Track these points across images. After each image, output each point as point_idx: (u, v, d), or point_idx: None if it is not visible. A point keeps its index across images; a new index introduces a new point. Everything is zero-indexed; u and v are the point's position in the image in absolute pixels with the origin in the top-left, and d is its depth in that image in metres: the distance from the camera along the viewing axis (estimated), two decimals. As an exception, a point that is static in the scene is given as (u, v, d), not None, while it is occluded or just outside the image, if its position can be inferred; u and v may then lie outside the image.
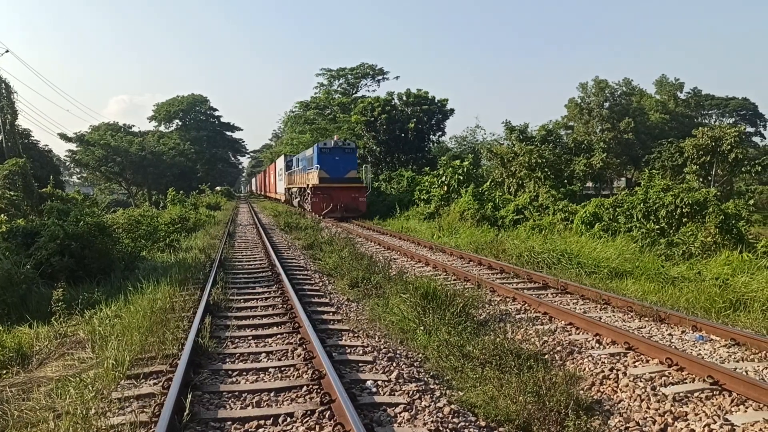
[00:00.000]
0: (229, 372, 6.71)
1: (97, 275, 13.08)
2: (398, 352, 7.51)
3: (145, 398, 5.84)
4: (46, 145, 54.59)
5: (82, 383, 6.19)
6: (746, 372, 6.39)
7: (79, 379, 6.34)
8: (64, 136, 72.15)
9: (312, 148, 34.29)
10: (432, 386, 6.26)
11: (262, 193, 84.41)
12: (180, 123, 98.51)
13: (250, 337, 8.16)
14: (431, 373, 6.76)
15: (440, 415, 5.40)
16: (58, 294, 9.87)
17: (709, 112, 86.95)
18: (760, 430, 5.02)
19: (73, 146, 74.66)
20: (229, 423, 5.30)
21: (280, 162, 55.20)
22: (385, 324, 8.90)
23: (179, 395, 5.44)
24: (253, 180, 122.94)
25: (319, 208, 32.00)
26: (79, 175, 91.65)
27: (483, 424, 5.34)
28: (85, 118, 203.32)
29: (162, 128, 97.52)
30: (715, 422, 5.19)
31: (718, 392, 5.84)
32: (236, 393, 6.01)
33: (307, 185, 33.86)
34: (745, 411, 5.43)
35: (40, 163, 42.74)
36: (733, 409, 5.48)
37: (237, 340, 8.03)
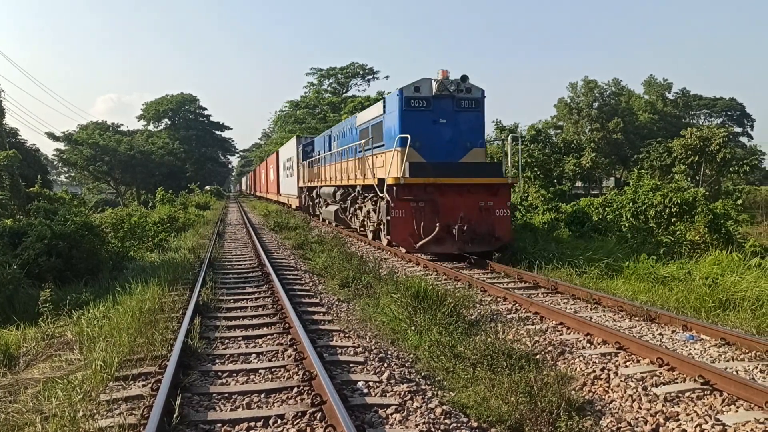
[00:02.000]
0: (219, 373, 6.66)
1: (84, 275, 12.99)
2: (389, 352, 7.48)
3: (133, 400, 5.77)
4: (34, 144, 54.29)
5: (70, 385, 6.11)
6: (737, 371, 6.40)
7: (66, 381, 6.26)
8: (51, 135, 71.70)
9: (381, 102, 16.96)
10: (423, 387, 6.23)
11: (252, 192, 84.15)
12: (169, 122, 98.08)
13: (240, 338, 8.10)
14: (422, 374, 6.73)
15: (432, 416, 5.37)
16: (45, 294, 9.79)
17: (697, 112, 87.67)
18: (752, 430, 5.03)
19: (60, 145, 74.24)
20: (219, 425, 5.25)
21: (288, 149, 38.72)
22: (376, 324, 8.87)
23: (168, 397, 5.39)
24: (243, 179, 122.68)
25: (408, 233, 14.67)
26: (66, 175, 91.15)
27: (475, 424, 5.31)
28: (73, 117, 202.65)
29: (151, 127, 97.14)
30: (707, 422, 5.19)
31: (709, 392, 5.85)
32: (226, 394, 5.96)
33: (375, 182, 16.22)
34: (737, 411, 5.43)
35: (28, 162, 42.41)
36: (724, 409, 5.49)
37: (227, 341, 7.97)
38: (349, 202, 20.98)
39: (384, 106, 16.62)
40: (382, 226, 16.55)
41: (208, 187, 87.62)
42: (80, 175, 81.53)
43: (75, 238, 13.67)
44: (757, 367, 6.60)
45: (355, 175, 18.87)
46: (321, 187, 25.93)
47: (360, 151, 18.50)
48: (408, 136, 14.40)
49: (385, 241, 16.95)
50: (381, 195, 15.57)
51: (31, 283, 12.03)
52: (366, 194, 18.29)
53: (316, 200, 28.32)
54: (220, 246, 19.29)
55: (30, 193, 32.52)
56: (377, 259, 14.21)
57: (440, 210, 14.51)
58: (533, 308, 9.44)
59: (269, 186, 53.88)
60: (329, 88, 74.03)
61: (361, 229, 19.82)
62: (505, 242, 14.84)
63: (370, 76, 74.35)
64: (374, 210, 17.31)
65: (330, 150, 24.56)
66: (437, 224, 14.26)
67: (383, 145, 16.60)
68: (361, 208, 19.49)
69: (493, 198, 14.86)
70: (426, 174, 14.60)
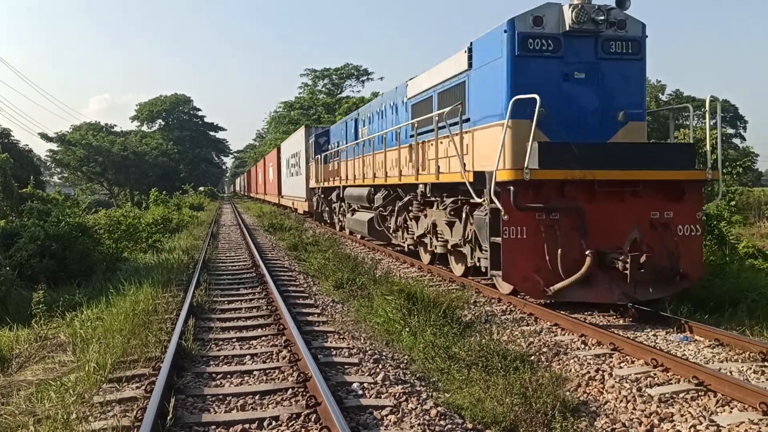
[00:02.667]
0: (213, 375, 6.63)
1: (78, 277, 12.94)
2: (384, 353, 7.47)
3: (127, 402, 5.75)
4: (27, 145, 53.94)
5: (63, 387, 6.09)
6: (731, 372, 6.41)
7: (59, 383, 6.24)
8: (44, 136, 71.34)
9: (464, 51, 10.76)
10: (418, 388, 6.22)
11: (247, 194, 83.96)
12: (163, 123, 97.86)
13: (234, 339, 8.08)
14: (417, 375, 6.72)
15: (427, 417, 5.37)
16: (38, 296, 9.76)
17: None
18: (746, 431, 5.04)
19: (54, 146, 73.84)
20: (214, 427, 5.22)
21: (293, 143, 32.88)
22: (371, 325, 8.85)
23: (162, 399, 5.37)
24: (237, 180, 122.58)
25: (533, 266, 8.75)
26: (60, 176, 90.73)
27: (470, 426, 5.31)
28: (66, 117, 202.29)
29: (144, 128, 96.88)
30: (701, 423, 5.19)
31: (703, 393, 5.86)
32: (220, 396, 5.94)
33: (468, 179, 9.42)
34: (731, 412, 5.45)
35: (20, 163, 42.15)
36: (718, 409, 5.50)
37: (221, 343, 7.95)
38: (394, 208, 14.75)
39: (470, 57, 10.56)
40: (468, 251, 10.61)
41: (201, 188, 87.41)
42: (73, 176, 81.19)
43: (68, 240, 13.61)
44: (750, 368, 6.61)
45: (416, 170, 12.35)
46: (345, 187, 19.88)
47: (412, 135, 12.67)
48: (536, 97, 8.34)
49: (459, 271, 11.85)
50: (477, 200, 9.41)
51: (24, 284, 11.98)
52: (436, 197, 11.69)
53: (335, 204, 22.58)
54: (214, 247, 19.25)
55: (23, 194, 32.33)
56: (372, 261, 14.20)
57: (590, 227, 8.70)
58: (528, 309, 9.42)
59: (268, 187, 47.47)
60: (323, 89, 73.91)
61: (413, 247, 14.40)
62: (692, 282, 9.28)
63: (364, 77, 74.27)
64: (449, 223, 11.32)
65: (356, 138, 19.01)
66: (587, 252, 8.43)
67: (468, 120, 10.70)
68: (417, 218, 13.30)
69: (674, 205, 9.14)
70: (568, 163, 8.70)
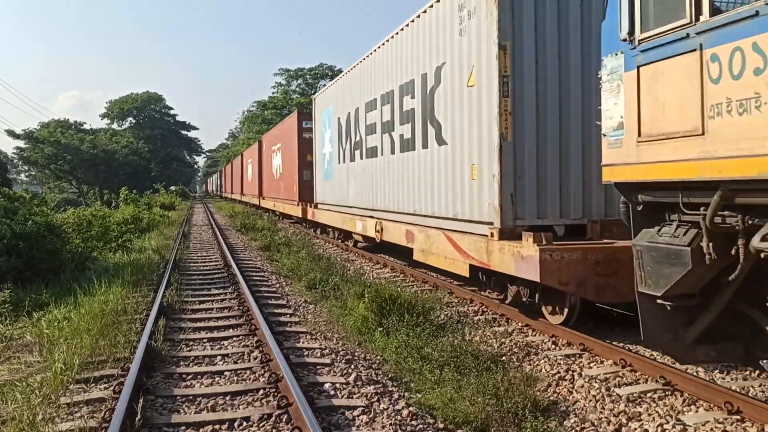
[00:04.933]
0: (184, 375, 6.57)
1: (45, 276, 12.69)
2: (356, 354, 7.46)
3: (95, 403, 5.67)
4: (-7, 142, 53.19)
5: (29, 388, 5.97)
6: (697, 373, 6.52)
7: (25, 384, 6.12)
8: (11, 133, 70.11)
9: None
10: (390, 388, 6.22)
11: (218, 193, 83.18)
12: (134, 121, 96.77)
13: (205, 340, 8.01)
14: (389, 376, 6.72)
15: (399, 417, 5.37)
16: (4, 295, 9.56)
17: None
18: (712, 429, 5.13)
19: (21, 143, 72.66)
20: (183, 428, 5.17)
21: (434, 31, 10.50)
22: (343, 326, 8.84)
23: (131, 400, 5.30)
24: (210, 179, 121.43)
25: None
26: (27, 173, 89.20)
27: (441, 426, 5.32)
28: (34, 114, 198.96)
29: (115, 126, 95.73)
30: (668, 422, 5.28)
31: (670, 392, 5.95)
32: (190, 397, 5.88)
33: None
34: (697, 411, 5.54)
35: (-14, 160, 41.36)
36: (684, 409, 5.59)
37: (192, 343, 7.88)
38: None
39: None
40: None
41: (173, 188, 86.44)
42: (41, 174, 79.93)
43: (36, 238, 13.34)
44: (716, 368, 6.73)
45: None
46: None
47: None
48: None
49: None
50: None
51: (-11, 283, 11.71)
52: None
53: None
54: (185, 247, 19.07)
55: (-12, 191, 31.68)
56: (345, 261, 14.18)
57: None
58: (500, 310, 9.49)
59: (268, 186, 32.98)
60: (297, 89, 73.52)
61: None
62: None
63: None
64: None
65: None
66: None
67: None
68: None
69: None
70: None
